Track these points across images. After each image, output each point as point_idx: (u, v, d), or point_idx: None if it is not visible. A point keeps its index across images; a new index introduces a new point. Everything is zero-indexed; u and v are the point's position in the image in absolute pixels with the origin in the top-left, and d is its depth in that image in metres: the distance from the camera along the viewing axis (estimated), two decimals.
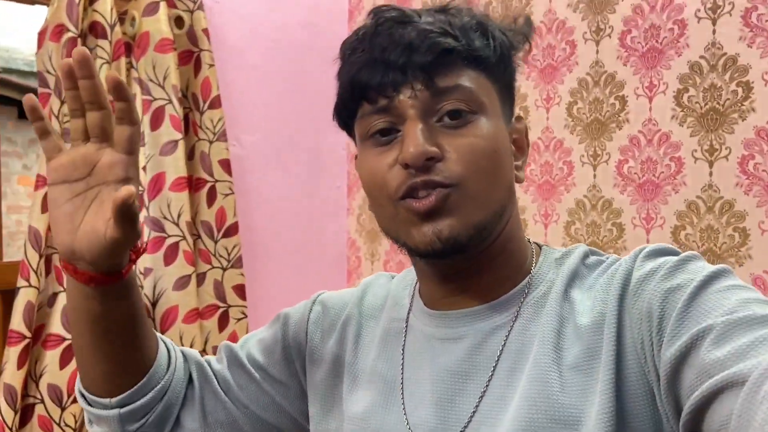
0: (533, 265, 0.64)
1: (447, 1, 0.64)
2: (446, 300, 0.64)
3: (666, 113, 1.14)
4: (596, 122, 1.25)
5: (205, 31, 1.51)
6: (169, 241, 1.42)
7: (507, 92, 0.63)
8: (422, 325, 0.66)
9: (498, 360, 0.59)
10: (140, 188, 1.25)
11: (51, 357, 1.30)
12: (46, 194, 0.69)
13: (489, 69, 0.60)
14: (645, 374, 0.52)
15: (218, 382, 0.74)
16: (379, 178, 0.59)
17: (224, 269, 1.55)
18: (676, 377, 0.48)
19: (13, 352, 1.26)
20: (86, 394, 0.68)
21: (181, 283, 1.43)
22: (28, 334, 1.27)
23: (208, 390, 0.74)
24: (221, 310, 1.54)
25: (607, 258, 0.62)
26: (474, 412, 0.59)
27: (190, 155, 1.51)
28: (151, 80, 1.42)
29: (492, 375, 0.59)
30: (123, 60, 1.40)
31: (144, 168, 1.42)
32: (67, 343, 1.31)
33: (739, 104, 1.03)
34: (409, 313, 0.69)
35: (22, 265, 1.28)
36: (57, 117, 1.31)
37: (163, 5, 1.43)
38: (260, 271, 1.70)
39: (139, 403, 0.67)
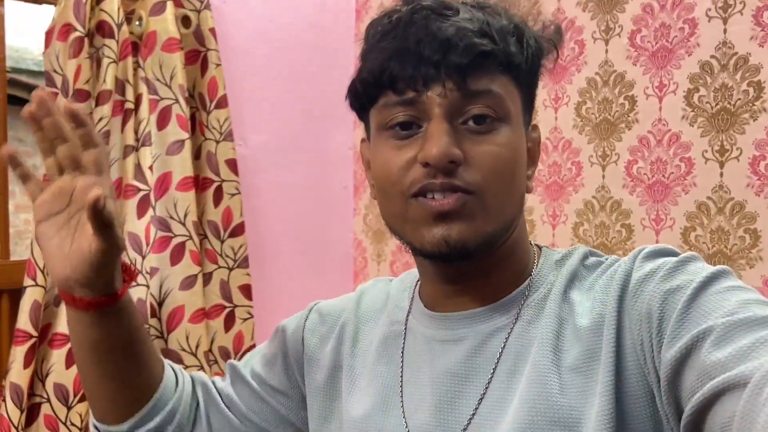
0: (534, 267, 0.64)
1: None
2: (447, 301, 0.63)
3: (676, 113, 1.12)
4: (605, 122, 1.24)
5: (212, 30, 1.51)
6: (175, 241, 1.42)
7: (529, 101, 0.63)
8: (422, 327, 0.65)
9: (498, 362, 0.59)
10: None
11: (57, 356, 1.30)
12: None
13: (519, 76, 0.59)
14: (645, 375, 0.52)
15: (222, 399, 0.76)
16: (394, 173, 0.58)
17: (230, 269, 1.55)
18: (676, 379, 0.48)
19: (19, 352, 1.26)
20: (99, 426, 0.70)
21: (188, 283, 1.43)
22: (34, 333, 1.27)
23: (213, 408, 0.75)
24: (227, 310, 1.54)
25: (607, 259, 0.62)
26: (473, 414, 0.58)
27: (196, 155, 1.51)
28: (157, 80, 1.42)
29: (492, 377, 0.59)
30: (130, 59, 1.40)
31: (151, 167, 1.43)
32: None
33: (751, 104, 1.02)
34: (408, 316, 0.68)
35: (29, 264, 1.28)
36: None
37: (170, 5, 1.43)
38: (266, 271, 1.70)
39: (150, 425, 0.69)
